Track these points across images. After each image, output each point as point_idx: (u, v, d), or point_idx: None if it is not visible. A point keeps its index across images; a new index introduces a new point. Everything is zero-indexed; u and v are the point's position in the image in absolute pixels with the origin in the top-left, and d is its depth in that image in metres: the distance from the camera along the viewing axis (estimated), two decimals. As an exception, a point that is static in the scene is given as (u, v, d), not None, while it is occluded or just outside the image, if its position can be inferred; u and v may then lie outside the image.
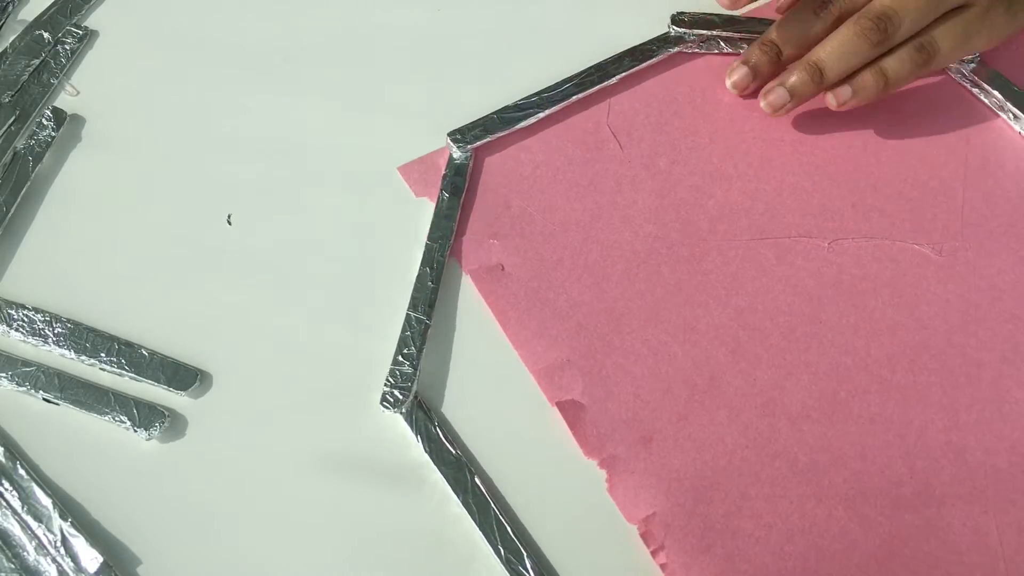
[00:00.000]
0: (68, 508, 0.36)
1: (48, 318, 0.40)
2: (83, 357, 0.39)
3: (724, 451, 0.38)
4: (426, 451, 0.37)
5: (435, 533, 0.37)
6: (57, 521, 0.36)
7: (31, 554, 0.36)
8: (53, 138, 0.44)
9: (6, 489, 0.37)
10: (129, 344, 0.39)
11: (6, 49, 0.47)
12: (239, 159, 0.44)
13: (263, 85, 0.47)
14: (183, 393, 0.38)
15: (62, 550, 0.36)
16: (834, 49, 0.43)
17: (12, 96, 0.45)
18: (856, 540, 0.36)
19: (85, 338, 0.39)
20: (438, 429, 0.38)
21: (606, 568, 0.36)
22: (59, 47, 0.47)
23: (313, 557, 0.36)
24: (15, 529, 0.36)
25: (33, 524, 0.36)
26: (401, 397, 0.38)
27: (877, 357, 0.40)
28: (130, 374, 0.39)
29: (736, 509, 0.37)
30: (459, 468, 0.37)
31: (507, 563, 0.35)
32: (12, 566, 0.35)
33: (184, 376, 0.39)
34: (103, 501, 0.37)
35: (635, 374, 0.39)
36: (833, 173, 0.45)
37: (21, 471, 0.37)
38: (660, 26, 0.48)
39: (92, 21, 0.48)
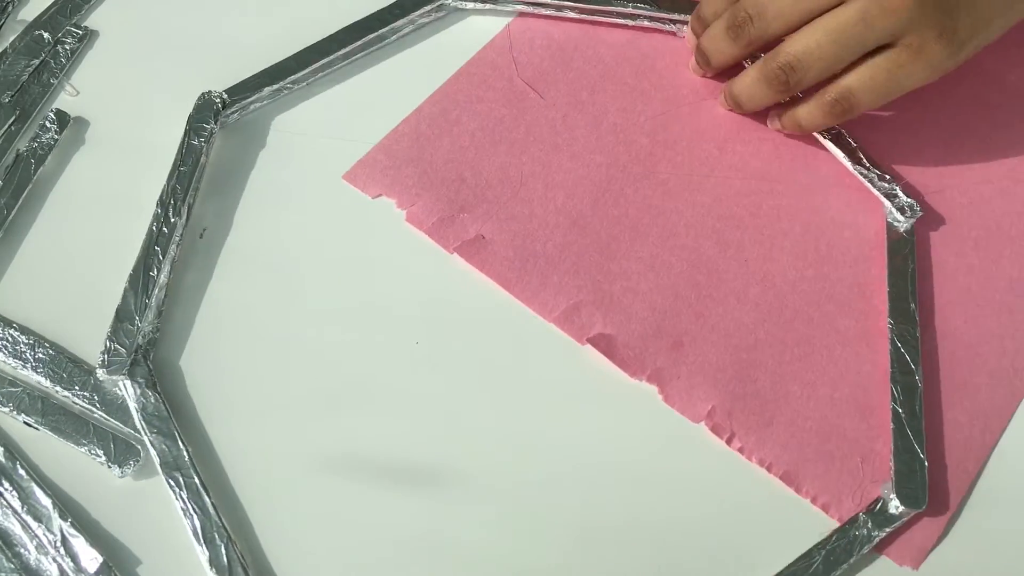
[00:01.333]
0: (68, 508, 0.36)
1: (32, 341, 0.40)
2: (58, 388, 0.39)
3: (748, 331, 0.41)
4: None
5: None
6: (57, 521, 0.36)
7: (31, 554, 0.36)
8: (56, 141, 0.44)
9: (6, 489, 0.37)
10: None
11: (6, 49, 0.47)
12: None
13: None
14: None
15: (62, 550, 0.35)
16: (743, 89, 0.45)
17: (12, 96, 0.46)
18: (886, 365, 0.40)
19: (63, 367, 0.39)
20: None
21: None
22: (59, 47, 0.47)
23: (313, 557, 0.37)
24: (15, 529, 0.36)
25: (33, 524, 0.36)
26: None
27: (837, 207, 0.45)
28: (100, 412, 0.39)
29: (779, 377, 0.40)
30: None
31: None
32: (12, 566, 0.35)
33: None
34: (103, 501, 0.37)
35: (643, 291, 0.42)
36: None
37: (21, 471, 0.37)
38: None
39: (92, 21, 0.49)
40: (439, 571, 0.37)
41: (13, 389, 0.39)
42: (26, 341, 0.40)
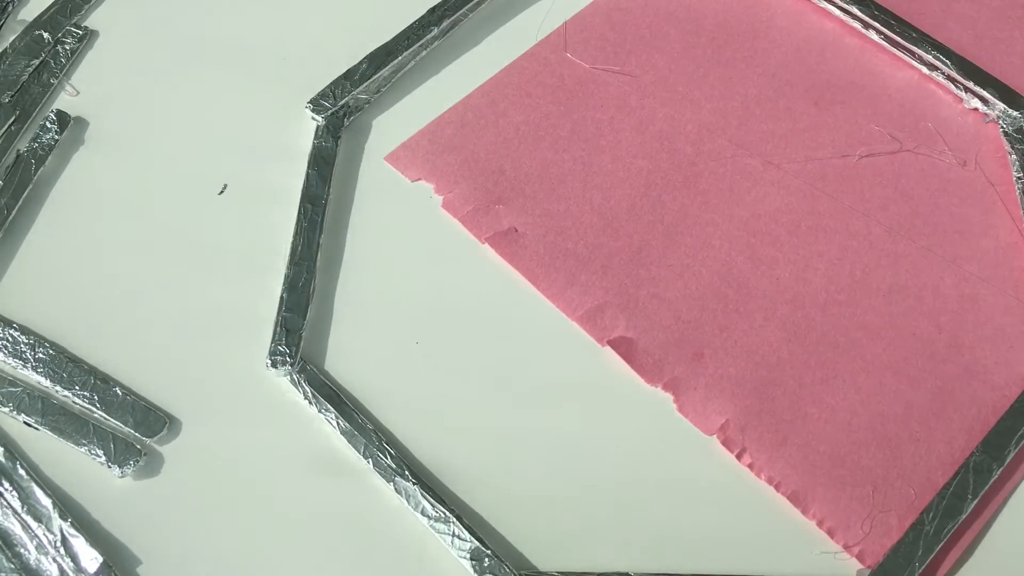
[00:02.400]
0: (68, 508, 0.37)
1: (32, 341, 0.40)
2: (58, 387, 0.39)
3: (771, 349, 0.41)
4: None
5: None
6: (57, 521, 0.36)
7: (31, 554, 0.36)
8: (56, 141, 0.44)
9: (6, 489, 0.37)
10: (105, 380, 0.40)
11: (6, 49, 0.47)
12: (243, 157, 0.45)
13: (263, 84, 0.47)
14: (149, 440, 0.38)
15: (62, 550, 0.36)
16: None
17: (12, 96, 0.46)
18: (910, 400, 0.40)
19: (63, 367, 0.40)
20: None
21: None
22: (59, 47, 0.47)
23: (313, 558, 0.37)
24: (15, 529, 0.36)
25: (33, 524, 0.36)
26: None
27: (878, 233, 0.44)
28: (100, 412, 0.39)
29: (798, 398, 0.40)
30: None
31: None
32: (12, 566, 0.35)
33: (152, 423, 0.39)
34: (103, 501, 0.37)
35: (670, 299, 0.42)
36: (789, 78, 0.48)
37: (21, 471, 0.37)
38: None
39: (92, 21, 0.49)
40: (440, 572, 0.36)
41: (13, 389, 0.39)
42: (26, 341, 0.40)
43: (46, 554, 0.36)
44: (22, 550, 0.36)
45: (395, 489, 0.37)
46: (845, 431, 0.39)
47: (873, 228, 0.44)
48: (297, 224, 0.42)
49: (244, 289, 0.42)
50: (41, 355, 0.40)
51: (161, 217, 0.44)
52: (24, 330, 0.40)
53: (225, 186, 0.44)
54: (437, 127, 0.46)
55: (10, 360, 0.40)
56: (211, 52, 0.48)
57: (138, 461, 0.38)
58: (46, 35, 0.48)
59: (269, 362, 0.39)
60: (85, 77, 0.48)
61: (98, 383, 0.39)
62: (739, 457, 0.39)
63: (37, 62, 0.47)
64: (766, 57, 0.49)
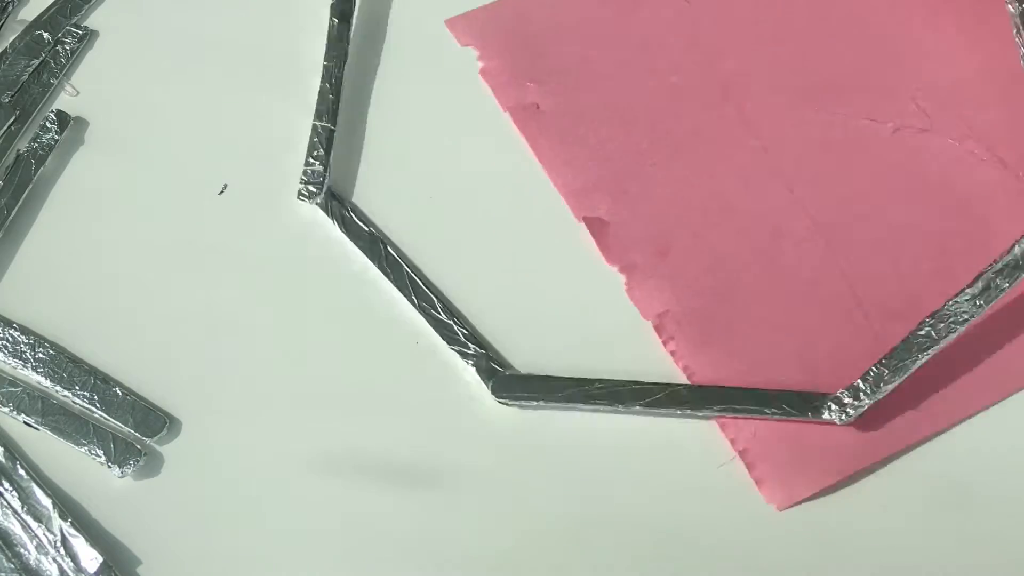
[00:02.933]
0: (68, 508, 0.37)
1: (32, 341, 0.40)
2: (57, 387, 0.39)
3: (734, 268, 0.42)
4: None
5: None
6: (57, 521, 0.36)
7: (31, 554, 0.36)
8: (56, 141, 0.44)
9: (6, 489, 0.37)
10: (106, 380, 0.40)
11: (5, 49, 0.47)
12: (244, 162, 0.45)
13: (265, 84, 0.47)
14: (149, 440, 0.39)
15: (62, 550, 0.36)
16: None
17: (12, 96, 0.46)
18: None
19: (64, 367, 0.40)
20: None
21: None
22: (59, 47, 0.47)
23: (313, 558, 0.37)
24: (15, 529, 0.36)
25: (33, 524, 0.36)
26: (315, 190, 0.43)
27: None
28: (100, 412, 0.39)
29: (740, 315, 0.41)
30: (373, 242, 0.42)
31: (421, 310, 0.41)
32: (12, 566, 0.35)
33: (152, 423, 0.39)
34: (103, 501, 0.37)
35: (656, 197, 0.43)
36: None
37: (21, 471, 0.37)
38: None
39: (92, 21, 0.49)
40: (439, 572, 0.37)
41: (13, 389, 0.39)
42: (26, 341, 0.40)
43: (46, 554, 0.36)
44: (22, 550, 0.36)
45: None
46: (768, 348, 0.41)
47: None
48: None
49: (246, 289, 0.42)
50: (41, 355, 0.40)
51: (162, 216, 0.44)
52: (24, 330, 0.40)
53: (225, 186, 0.44)
54: (501, 7, 0.49)
55: (10, 360, 0.40)
56: (211, 51, 0.48)
57: (138, 461, 0.38)
58: (46, 35, 0.48)
59: (301, 189, 0.42)
60: (85, 77, 0.47)
61: (98, 383, 0.40)
62: (665, 343, 0.40)
63: (37, 62, 0.47)
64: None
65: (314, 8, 0.48)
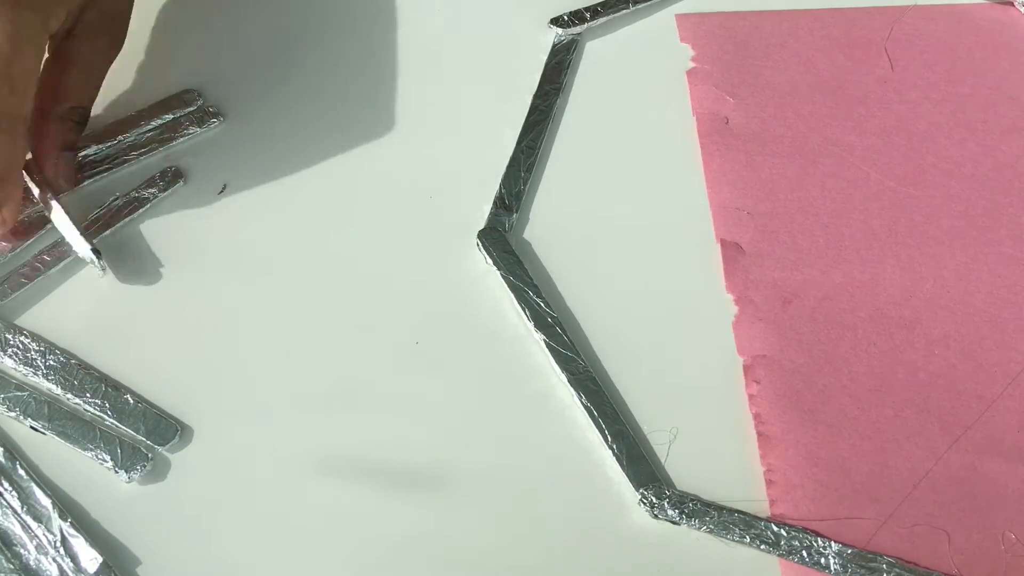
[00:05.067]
0: (68, 508, 0.37)
1: (43, 348, 0.40)
2: (68, 395, 0.39)
3: (852, 344, 0.41)
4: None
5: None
6: (57, 521, 0.36)
7: (31, 554, 0.36)
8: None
9: (6, 489, 0.37)
10: (117, 387, 0.40)
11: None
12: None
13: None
14: (161, 448, 0.38)
15: (62, 550, 0.36)
16: None
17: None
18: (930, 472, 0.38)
19: (74, 375, 0.40)
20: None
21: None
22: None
23: (314, 559, 0.36)
24: (15, 529, 0.36)
25: (33, 524, 0.36)
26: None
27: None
28: (111, 419, 0.39)
29: (837, 390, 0.39)
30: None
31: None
32: (12, 566, 0.35)
33: (164, 430, 0.39)
34: (103, 501, 0.37)
35: (802, 248, 0.43)
36: None
37: (21, 471, 0.37)
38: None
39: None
40: (438, 573, 0.36)
41: (20, 393, 0.39)
42: (37, 348, 0.40)
43: (46, 554, 0.36)
44: (21, 550, 0.36)
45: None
46: (850, 445, 0.38)
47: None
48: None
49: (250, 291, 0.42)
50: (52, 362, 0.40)
51: (166, 219, 0.44)
52: (35, 337, 0.40)
53: (225, 186, 0.45)
54: (735, 18, 0.50)
55: (21, 367, 0.40)
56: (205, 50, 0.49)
57: (145, 466, 0.37)
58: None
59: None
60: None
61: (109, 390, 0.40)
62: (747, 385, 0.39)
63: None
64: None
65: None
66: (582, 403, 0.39)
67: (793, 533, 0.36)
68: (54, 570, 0.35)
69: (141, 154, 0.46)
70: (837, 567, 0.35)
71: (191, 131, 0.46)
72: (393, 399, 0.39)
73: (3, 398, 0.39)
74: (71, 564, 0.35)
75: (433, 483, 0.38)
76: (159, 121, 0.47)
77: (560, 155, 0.46)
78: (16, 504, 0.36)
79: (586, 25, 0.50)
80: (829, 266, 0.43)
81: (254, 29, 0.50)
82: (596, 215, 0.44)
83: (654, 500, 0.37)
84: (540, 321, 0.41)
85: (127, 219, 0.44)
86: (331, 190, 0.45)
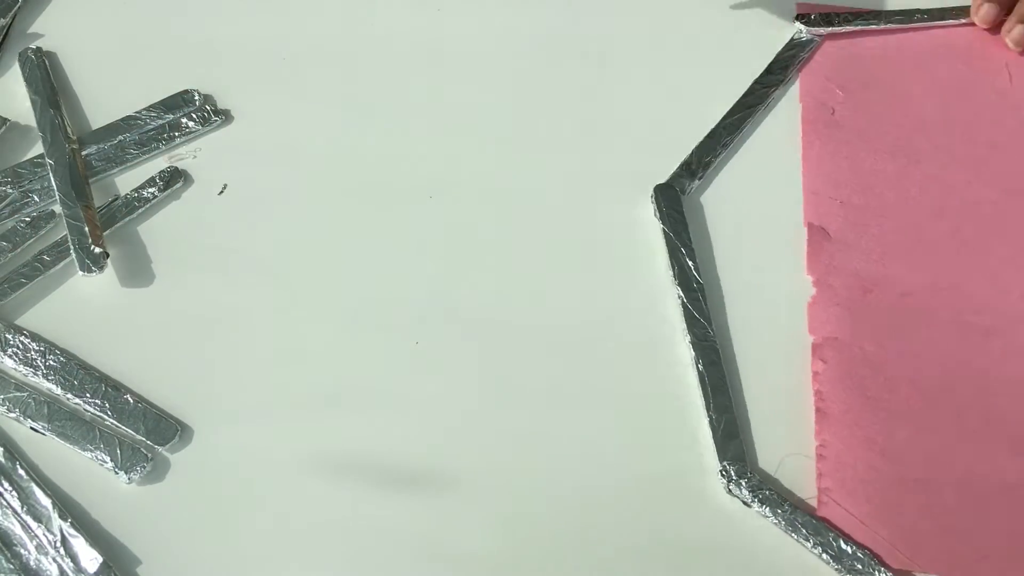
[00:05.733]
0: (68, 508, 0.37)
1: (43, 348, 0.40)
2: (68, 395, 0.39)
3: (924, 340, 0.41)
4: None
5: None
6: (57, 521, 0.36)
7: (31, 554, 0.36)
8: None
9: (6, 489, 0.37)
10: (117, 388, 0.40)
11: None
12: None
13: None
14: (161, 448, 0.38)
15: (62, 550, 0.36)
16: None
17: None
18: None
19: (74, 375, 0.40)
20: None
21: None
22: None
23: (314, 559, 0.36)
24: (15, 529, 0.36)
25: (33, 524, 0.36)
26: None
27: None
28: (111, 419, 0.39)
29: (903, 382, 0.39)
30: None
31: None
32: (12, 566, 0.35)
33: (164, 430, 0.39)
34: (103, 501, 0.37)
35: (890, 244, 0.43)
36: None
37: (21, 471, 0.37)
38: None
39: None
40: (438, 573, 0.36)
41: (19, 394, 0.39)
42: (37, 348, 0.40)
43: (46, 554, 0.36)
44: (21, 550, 0.36)
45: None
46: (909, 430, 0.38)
47: None
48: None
49: (250, 291, 0.42)
50: (52, 362, 0.40)
51: (166, 219, 0.44)
52: (35, 337, 0.40)
53: (225, 186, 0.45)
54: (860, 41, 0.50)
55: (21, 367, 0.40)
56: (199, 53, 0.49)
57: (145, 467, 0.37)
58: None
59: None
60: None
61: (109, 390, 0.40)
62: (813, 363, 0.40)
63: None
64: None
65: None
66: (698, 368, 0.40)
67: (858, 554, 0.36)
68: (54, 570, 0.35)
69: (141, 154, 0.46)
70: None
71: (191, 131, 0.47)
72: (393, 399, 0.39)
73: (3, 398, 0.39)
74: (71, 564, 0.35)
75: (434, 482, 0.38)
76: (159, 121, 0.47)
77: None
78: (16, 504, 0.36)
79: (831, 28, 0.50)
80: (915, 265, 0.42)
81: (254, 29, 0.51)
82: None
83: (733, 475, 0.37)
84: (685, 282, 0.42)
85: (127, 219, 0.44)
86: (331, 190, 0.45)
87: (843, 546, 0.36)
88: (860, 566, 0.35)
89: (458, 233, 0.44)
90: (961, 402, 0.39)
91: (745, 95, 0.48)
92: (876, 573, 0.35)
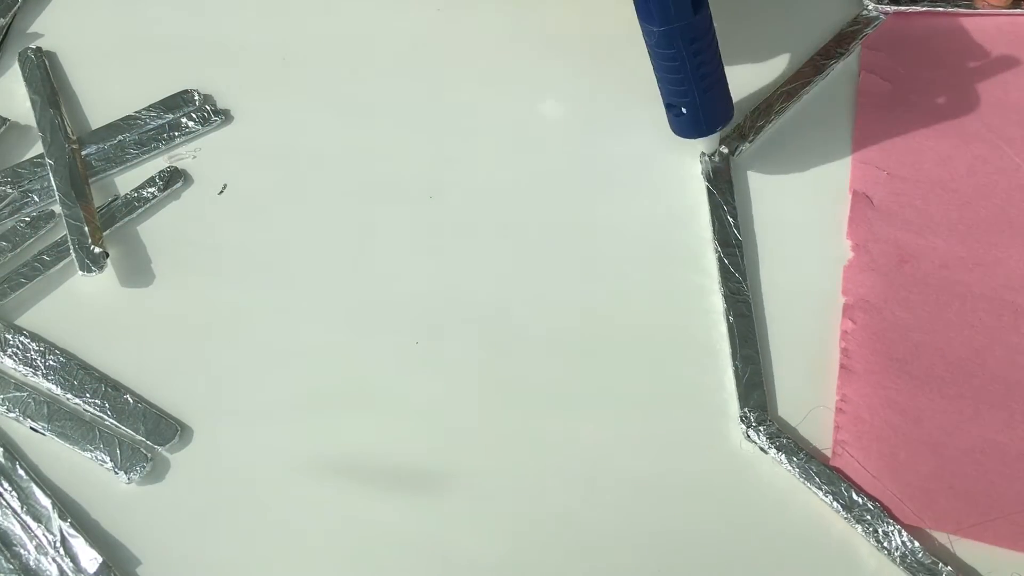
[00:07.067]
0: (68, 508, 0.37)
1: (43, 348, 0.40)
2: (68, 395, 0.39)
3: (956, 311, 0.41)
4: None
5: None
6: (56, 521, 0.36)
7: (30, 554, 0.36)
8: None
9: (6, 489, 0.37)
10: (116, 388, 0.40)
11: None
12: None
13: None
14: (161, 448, 0.38)
15: (61, 550, 0.36)
16: None
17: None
18: None
19: (74, 375, 0.40)
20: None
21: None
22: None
23: (314, 559, 0.36)
24: (15, 529, 0.36)
25: (33, 524, 0.36)
26: None
27: None
28: (111, 419, 0.39)
29: (931, 349, 0.40)
30: None
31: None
32: (11, 566, 0.35)
33: (164, 430, 0.39)
34: (103, 501, 0.37)
35: (933, 217, 0.43)
36: None
37: (21, 471, 0.38)
38: None
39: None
40: (438, 573, 0.36)
41: (19, 394, 0.39)
42: (37, 348, 0.40)
43: (45, 554, 0.36)
44: (21, 550, 0.36)
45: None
46: (930, 395, 0.39)
47: None
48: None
49: (250, 291, 0.42)
50: (51, 362, 0.40)
51: (166, 219, 0.44)
52: (34, 337, 0.40)
53: (225, 186, 0.45)
54: (925, 21, 0.50)
55: (20, 367, 0.40)
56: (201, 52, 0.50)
57: (144, 467, 0.37)
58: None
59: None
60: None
61: (109, 390, 0.40)
62: (843, 322, 0.41)
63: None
64: None
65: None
66: (728, 320, 0.41)
67: (868, 506, 0.36)
68: (54, 570, 0.35)
69: (141, 154, 0.46)
70: (896, 556, 0.35)
71: (191, 131, 0.47)
72: (393, 399, 0.39)
73: (3, 398, 0.39)
74: (71, 564, 0.35)
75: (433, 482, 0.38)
76: (159, 121, 0.47)
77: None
78: (16, 504, 0.36)
79: (898, 8, 0.50)
80: (956, 240, 0.43)
81: (254, 29, 0.51)
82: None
83: (752, 421, 0.38)
84: (724, 237, 0.43)
85: (127, 219, 0.44)
86: (331, 190, 0.45)
87: (855, 496, 0.36)
88: (869, 517, 0.36)
89: (458, 233, 0.44)
90: (986, 374, 0.39)
91: (804, 65, 0.48)
92: (885, 524, 0.36)
